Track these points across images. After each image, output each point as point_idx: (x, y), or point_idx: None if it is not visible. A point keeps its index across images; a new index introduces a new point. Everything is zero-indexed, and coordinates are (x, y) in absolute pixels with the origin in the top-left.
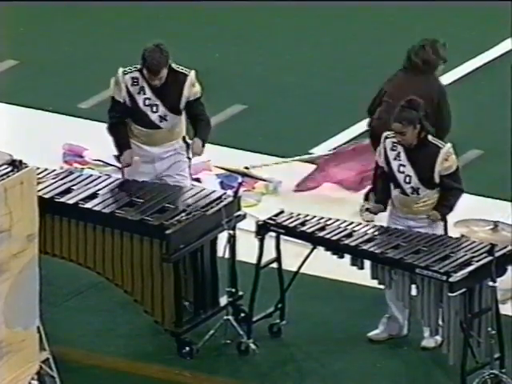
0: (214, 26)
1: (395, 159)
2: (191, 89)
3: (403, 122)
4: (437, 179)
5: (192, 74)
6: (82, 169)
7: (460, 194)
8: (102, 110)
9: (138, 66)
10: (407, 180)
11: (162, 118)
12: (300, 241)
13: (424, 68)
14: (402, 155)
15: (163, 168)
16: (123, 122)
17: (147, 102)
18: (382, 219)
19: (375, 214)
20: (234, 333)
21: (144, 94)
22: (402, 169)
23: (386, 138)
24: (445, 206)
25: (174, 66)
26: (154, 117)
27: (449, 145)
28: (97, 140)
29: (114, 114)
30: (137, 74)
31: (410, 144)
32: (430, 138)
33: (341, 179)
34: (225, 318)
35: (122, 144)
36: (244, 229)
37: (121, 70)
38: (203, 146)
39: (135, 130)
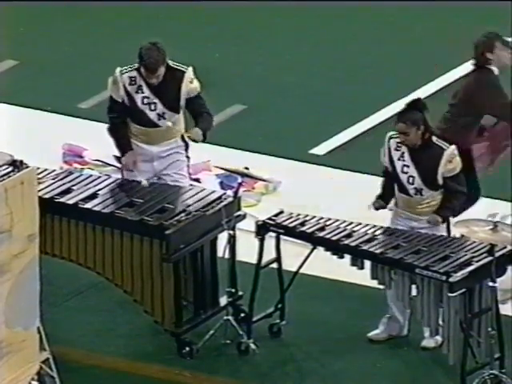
0: (214, 26)
1: (399, 159)
2: (189, 85)
3: (407, 122)
4: (440, 181)
5: (189, 71)
6: (82, 169)
7: (463, 197)
8: (102, 110)
9: (136, 65)
10: (410, 181)
11: (161, 116)
12: (300, 241)
13: (479, 63)
14: (406, 156)
15: (162, 167)
16: (124, 122)
17: (145, 100)
18: (386, 220)
19: (376, 209)
20: (234, 333)
21: (142, 92)
22: (405, 169)
23: (391, 137)
24: (446, 208)
25: (171, 63)
26: (152, 115)
27: (453, 147)
28: (97, 140)
29: (113, 115)
30: (134, 73)
31: (414, 144)
32: (434, 139)
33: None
34: (225, 318)
35: (123, 144)
36: (244, 229)
37: (118, 69)
38: (204, 135)
39: (133, 129)
